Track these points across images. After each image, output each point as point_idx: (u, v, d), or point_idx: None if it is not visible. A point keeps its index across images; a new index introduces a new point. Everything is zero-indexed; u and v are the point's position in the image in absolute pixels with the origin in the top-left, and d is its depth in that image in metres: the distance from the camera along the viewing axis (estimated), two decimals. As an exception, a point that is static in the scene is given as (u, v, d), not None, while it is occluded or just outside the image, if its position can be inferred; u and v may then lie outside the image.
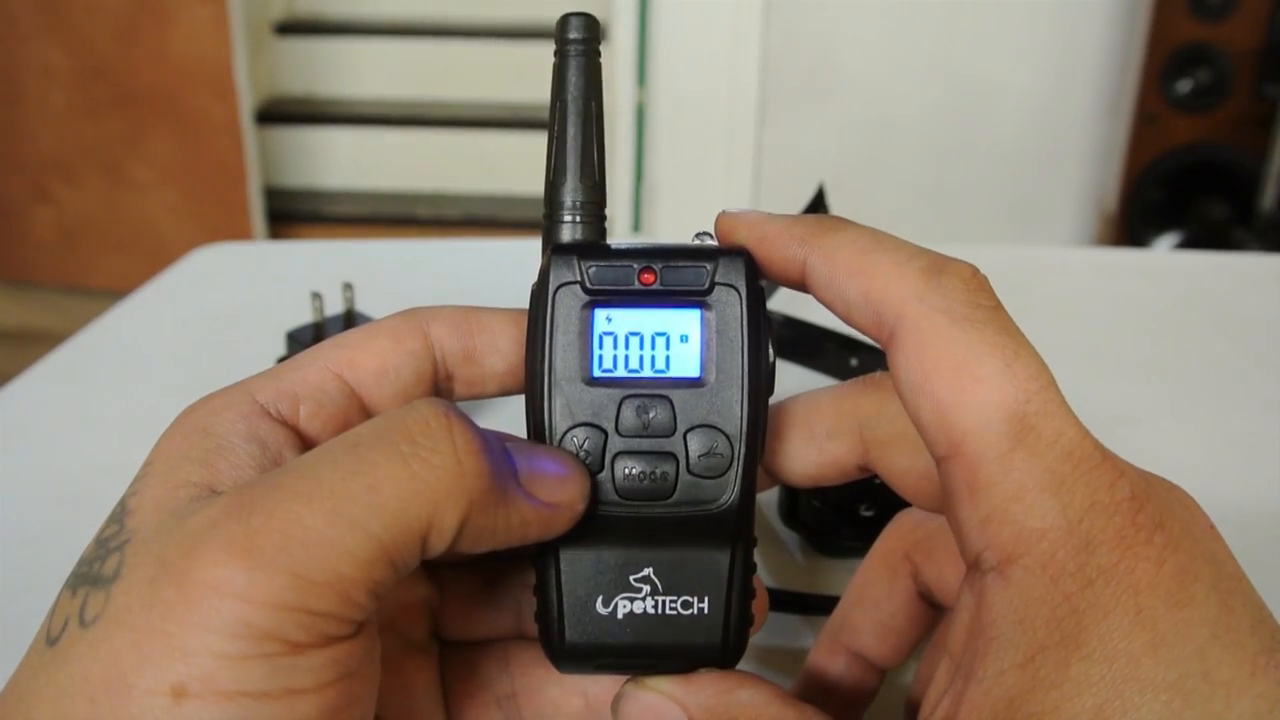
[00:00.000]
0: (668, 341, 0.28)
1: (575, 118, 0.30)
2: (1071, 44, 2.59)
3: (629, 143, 2.71)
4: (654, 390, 0.28)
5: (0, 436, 0.56)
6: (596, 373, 0.28)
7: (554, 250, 0.29)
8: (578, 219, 0.30)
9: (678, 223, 2.78)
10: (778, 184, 2.72)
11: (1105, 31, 2.57)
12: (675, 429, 0.28)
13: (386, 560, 0.24)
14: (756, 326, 0.28)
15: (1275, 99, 2.31)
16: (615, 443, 0.28)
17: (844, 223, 0.29)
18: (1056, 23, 2.57)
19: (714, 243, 0.29)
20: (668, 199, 2.76)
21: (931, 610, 0.34)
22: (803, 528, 0.45)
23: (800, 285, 0.29)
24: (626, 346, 0.28)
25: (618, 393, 0.28)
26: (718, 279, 0.28)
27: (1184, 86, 2.41)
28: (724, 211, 0.31)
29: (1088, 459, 0.25)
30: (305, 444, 0.28)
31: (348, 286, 0.57)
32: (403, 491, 0.24)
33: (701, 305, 0.28)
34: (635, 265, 0.28)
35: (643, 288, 0.28)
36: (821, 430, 0.31)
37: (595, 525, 0.28)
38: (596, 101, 0.31)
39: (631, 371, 0.28)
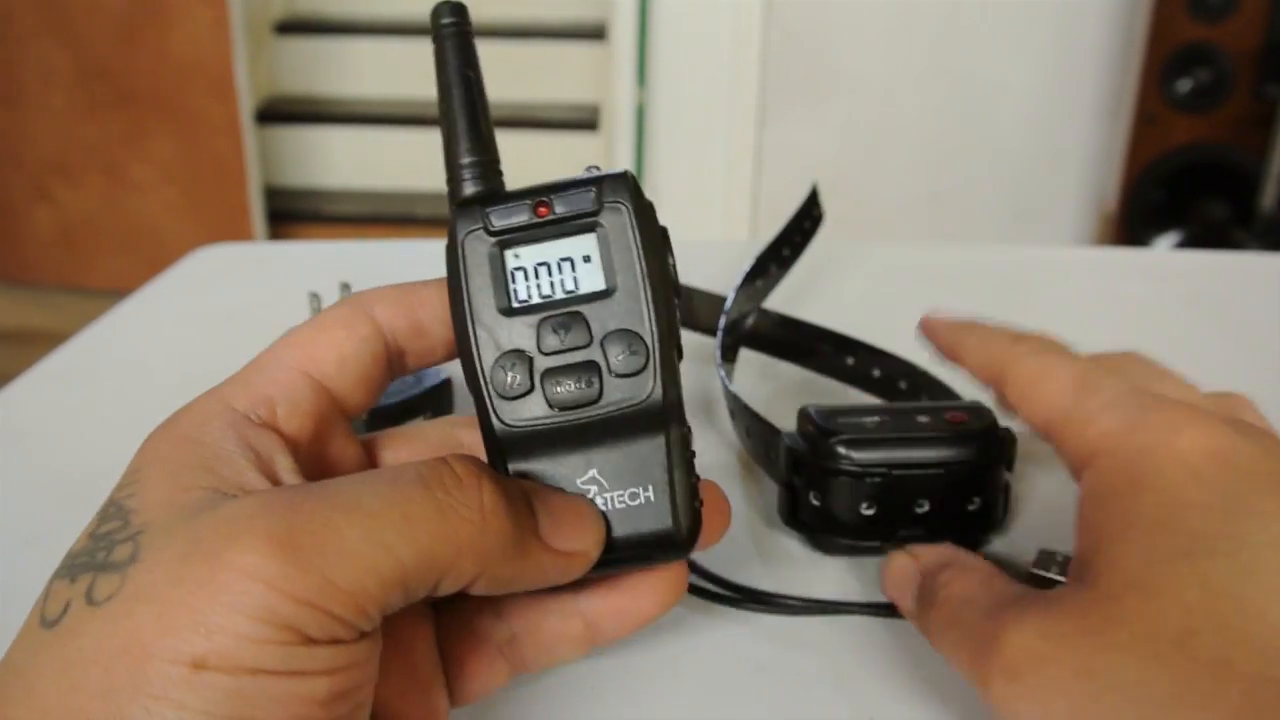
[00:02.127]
0: (573, 265, 0.30)
1: (457, 87, 0.32)
2: (1071, 44, 2.59)
3: (629, 143, 2.71)
4: (567, 310, 0.30)
5: (1, 435, 0.56)
6: (514, 304, 0.30)
7: (458, 205, 0.31)
8: (475, 176, 0.32)
9: (678, 222, 2.77)
10: (777, 184, 2.72)
11: (1105, 31, 2.57)
12: (591, 339, 0.30)
13: (403, 586, 0.25)
14: (647, 233, 0.30)
15: (1275, 99, 2.31)
16: (541, 362, 0.30)
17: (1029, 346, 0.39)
18: (1056, 23, 2.57)
19: (598, 169, 0.31)
20: (668, 199, 2.76)
21: None
22: (803, 526, 0.44)
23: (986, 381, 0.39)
24: (537, 277, 0.30)
25: (535, 318, 0.30)
26: (605, 200, 0.30)
27: (1184, 86, 2.41)
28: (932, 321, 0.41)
29: (1138, 389, 0.34)
30: (288, 443, 0.29)
31: (345, 287, 0.57)
32: (434, 531, 0.26)
33: (595, 226, 0.30)
34: (529, 201, 0.30)
35: (540, 220, 0.30)
36: None
37: (537, 439, 0.30)
38: (474, 71, 0.33)
39: (545, 297, 0.30)
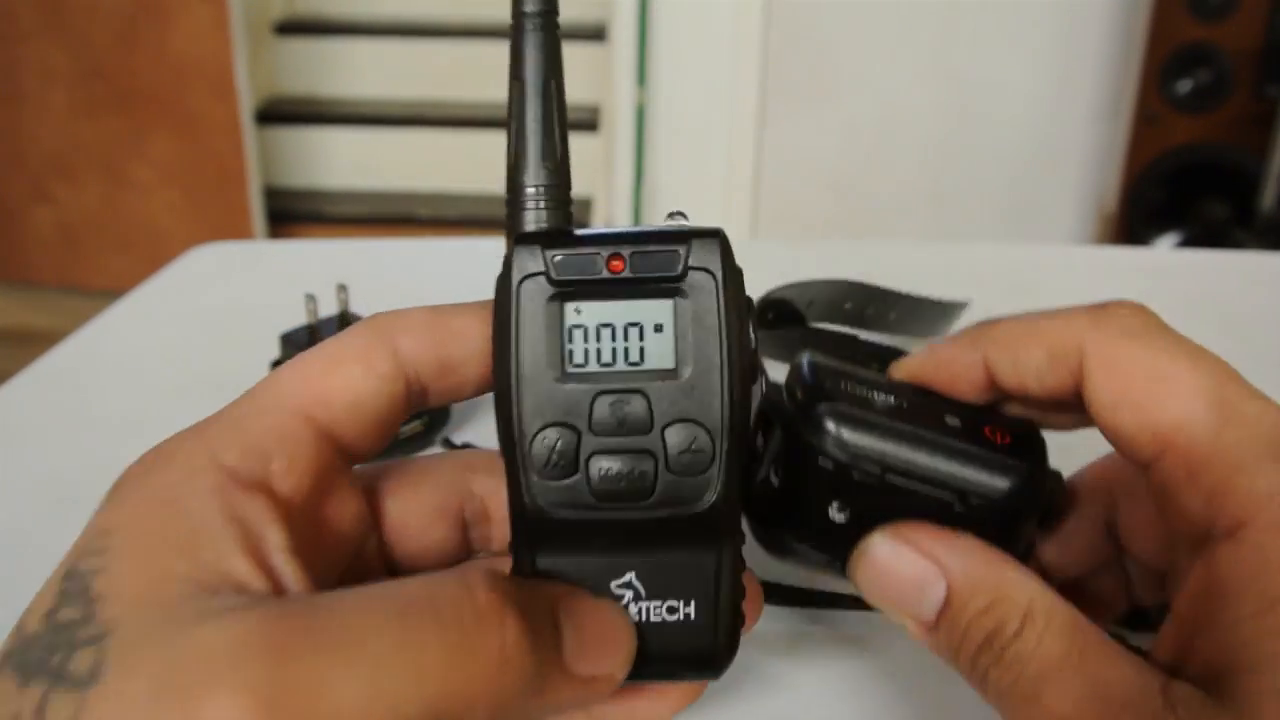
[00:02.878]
0: (641, 332, 0.26)
1: (535, 97, 0.28)
2: (1072, 44, 2.59)
3: (629, 143, 2.71)
4: (628, 384, 0.26)
5: (1, 433, 0.56)
6: (568, 368, 0.26)
7: (517, 240, 0.27)
8: (541, 204, 0.28)
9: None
10: (778, 184, 2.72)
11: (1105, 31, 2.57)
12: (652, 425, 0.26)
13: None
14: (735, 311, 0.26)
15: (1275, 99, 2.31)
16: (589, 442, 0.26)
17: (995, 319, 0.30)
18: (1057, 23, 2.57)
19: (687, 223, 0.27)
20: (668, 199, 2.76)
21: (1109, 545, 0.33)
22: (750, 508, 0.31)
23: (990, 387, 0.30)
24: (598, 340, 0.26)
25: (590, 388, 0.26)
26: (691, 263, 0.26)
27: (1184, 86, 2.41)
28: (894, 366, 0.32)
29: None
30: (280, 506, 0.25)
31: (342, 288, 0.57)
32: (446, 682, 0.22)
33: (675, 292, 0.26)
34: (603, 252, 0.26)
35: (612, 276, 0.26)
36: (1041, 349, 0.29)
37: (572, 530, 0.26)
38: (557, 80, 0.29)
39: (604, 365, 0.26)
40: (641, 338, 0.26)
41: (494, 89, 3.17)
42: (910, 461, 0.29)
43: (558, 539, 0.26)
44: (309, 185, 3.08)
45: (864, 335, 0.56)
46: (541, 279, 0.26)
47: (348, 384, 0.27)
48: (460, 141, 3.03)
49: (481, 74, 3.07)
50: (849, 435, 0.29)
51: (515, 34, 0.29)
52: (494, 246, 0.87)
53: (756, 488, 0.31)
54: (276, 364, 0.56)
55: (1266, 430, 0.25)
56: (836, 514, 0.30)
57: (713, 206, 2.76)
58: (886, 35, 2.61)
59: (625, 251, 0.26)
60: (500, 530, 0.30)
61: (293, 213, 2.96)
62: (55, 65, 2.67)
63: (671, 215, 0.28)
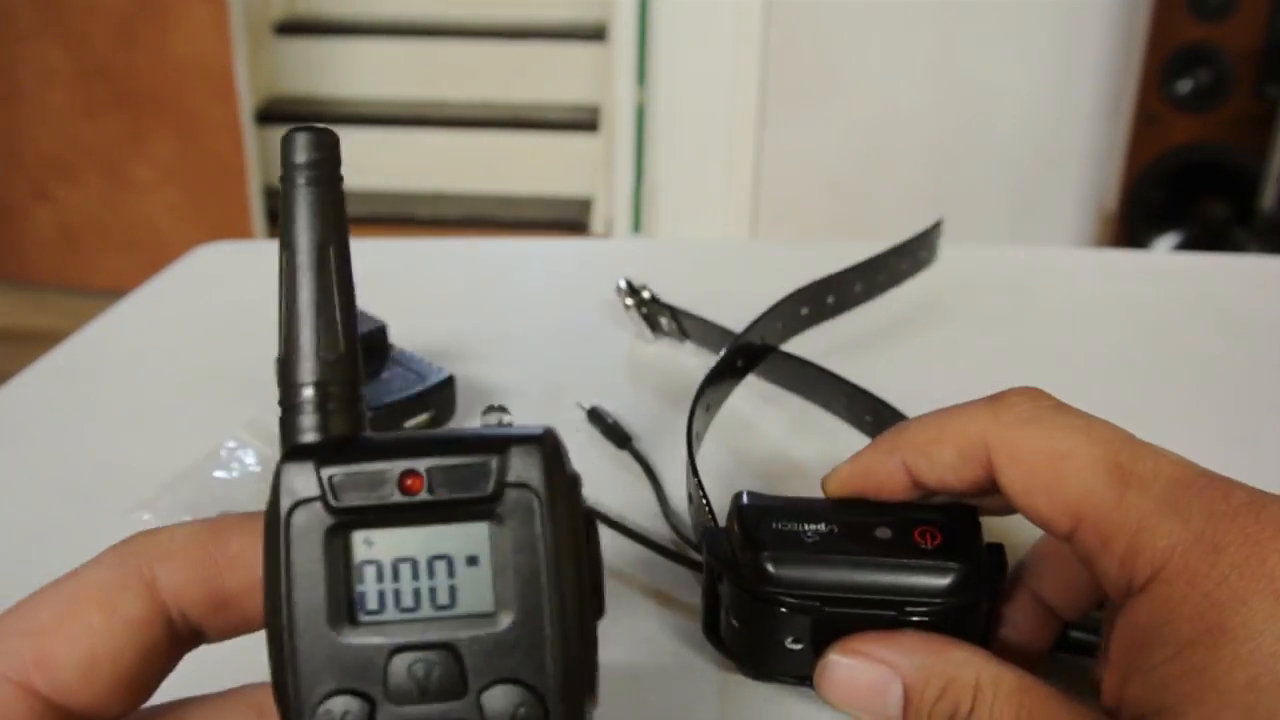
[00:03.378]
0: (450, 567, 0.21)
1: (307, 270, 0.23)
2: (1072, 44, 2.59)
3: (629, 143, 2.71)
4: (434, 635, 0.21)
5: (1, 435, 0.56)
6: (359, 617, 0.21)
7: (284, 455, 0.22)
8: (320, 407, 0.22)
9: (678, 223, 2.78)
10: (778, 184, 2.72)
11: (1105, 31, 2.57)
12: (466, 688, 0.21)
13: None
14: (567, 535, 0.21)
15: (1275, 99, 2.31)
16: (386, 714, 0.21)
17: (906, 423, 0.32)
18: (1057, 23, 2.57)
19: (509, 421, 0.24)
20: (668, 199, 2.76)
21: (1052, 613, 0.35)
22: (723, 646, 0.36)
23: (914, 487, 0.32)
24: (395, 578, 0.21)
25: (384, 643, 0.21)
26: (508, 478, 0.21)
27: (1184, 86, 2.41)
28: (825, 480, 0.33)
29: (1195, 480, 0.27)
30: None
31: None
32: None
33: (489, 516, 0.21)
34: (394, 468, 0.21)
35: (406, 499, 0.21)
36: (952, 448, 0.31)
37: None
38: (337, 245, 0.23)
39: (405, 611, 0.21)
40: (451, 574, 0.21)
41: (495, 89, 3.18)
42: (849, 587, 0.32)
43: None
44: (309, 185, 3.08)
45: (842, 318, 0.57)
46: (317, 505, 0.21)
47: (82, 636, 0.21)
48: (460, 142, 3.03)
49: (481, 74, 3.07)
50: (787, 578, 0.32)
51: (285, 191, 0.24)
52: (494, 247, 0.87)
53: (724, 631, 0.35)
54: (280, 360, 0.56)
55: (1162, 486, 0.27)
56: (793, 644, 0.33)
57: (713, 206, 2.77)
58: (887, 35, 2.61)
59: (422, 466, 0.21)
60: None
61: (292, 213, 2.96)
62: (55, 65, 2.67)
63: (489, 410, 0.24)
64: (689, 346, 0.62)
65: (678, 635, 0.39)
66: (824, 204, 2.72)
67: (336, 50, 3.11)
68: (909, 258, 0.61)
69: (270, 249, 0.89)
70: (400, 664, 0.21)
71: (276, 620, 0.21)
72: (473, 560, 0.21)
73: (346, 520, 0.21)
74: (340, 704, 0.21)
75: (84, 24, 2.64)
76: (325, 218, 0.24)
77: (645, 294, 0.61)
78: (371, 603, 0.21)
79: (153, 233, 2.80)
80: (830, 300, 0.56)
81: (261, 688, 0.22)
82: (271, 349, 0.60)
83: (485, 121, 3.00)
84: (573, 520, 0.22)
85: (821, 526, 0.33)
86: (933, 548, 0.32)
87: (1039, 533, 0.44)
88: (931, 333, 0.67)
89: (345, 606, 0.21)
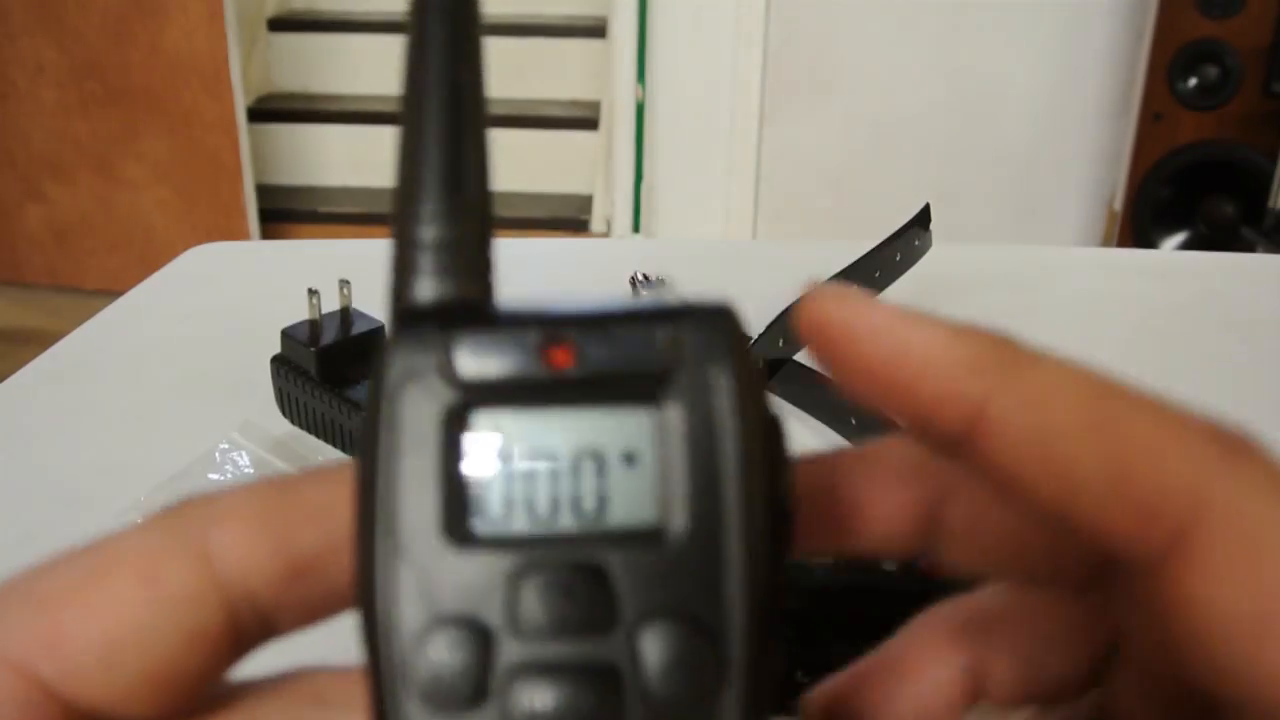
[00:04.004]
0: (601, 466, 0.16)
1: (437, 103, 0.18)
2: (1078, 40, 2.59)
3: (629, 140, 2.71)
4: (578, 555, 0.16)
5: (-9, 438, 0.56)
6: (476, 528, 0.16)
7: (398, 318, 0.17)
8: (442, 259, 0.18)
9: (679, 221, 2.78)
10: (779, 181, 2.72)
11: (1112, 28, 2.57)
12: (616, 622, 0.16)
13: None
14: (757, 430, 0.17)
15: (1284, 96, 2.31)
16: (509, 651, 0.16)
17: (1033, 351, 0.18)
18: (1062, 19, 2.57)
19: (667, 292, 0.18)
20: (668, 197, 2.76)
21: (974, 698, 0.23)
22: None
23: (959, 439, 0.17)
24: (529, 479, 0.16)
25: (511, 562, 0.16)
26: (685, 353, 0.16)
27: (1191, 84, 2.41)
28: (807, 295, 0.18)
29: None
30: None
31: (344, 283, 0.57)
32: None
33: (656, 401, 0.16)
34: (537, 336, 0.16)
35: (552, 375, 0.16)
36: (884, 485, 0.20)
37: None
38: (473, 82, 0.19)
39: (538, 523, 0.16)
40: (602, 475, 0.16)
41: (493, 86, 3.17)
42: (859, 619, 0.30)
43: None
44: (303, 182, 3.08)
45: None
46: (435, 381, 0.16)
47: (107, 615, 0.16)
48: (457, 139, 3.03)
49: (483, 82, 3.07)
50: (797, 611, 0.31)
51: (415, 19, 0.19)
52: (493, 245, 0.87)
53: None
54: (277, 360, 0.56)
55: (1191, 422, 0.17)
56: (803, 677, 0.31)
57: (714, 205, 2.77)
58: (889, 30, 2.61)
59: (574, 335, 0.16)
60: None
61: (286, 210, 2.96)
62: (47, 61, 2.67)
63: (643, 281, 0.17)
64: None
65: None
66: (826, 202, 2.72)
67: (332, 46, 3.10)
68: (902, 249, 0.61)
69: (264, 251, 0.89)
70: (530, 589, 0.16)
71: (369, 528, 0.16)
72: (631, 458, 0.16)
73: (470, 399, 0.16)
74: (448, 639, 0.16)
75: (76, 20, 2.64)
76: (462, 45, 0.18)
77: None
78: (494, 509, 0.16)
79: (145, 231, 2.80)
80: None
81: (321, 673, 0.18)
82: (265, 351, 0.60)
83: (483, 118, 3.00)
84: (761, 416, 0.17)
85: (829, 559, 0.32)
86: (940, 578, 0.32)
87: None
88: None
89: (461, 512, 0.16)
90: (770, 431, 0.17)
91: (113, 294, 0.72)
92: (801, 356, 0.55)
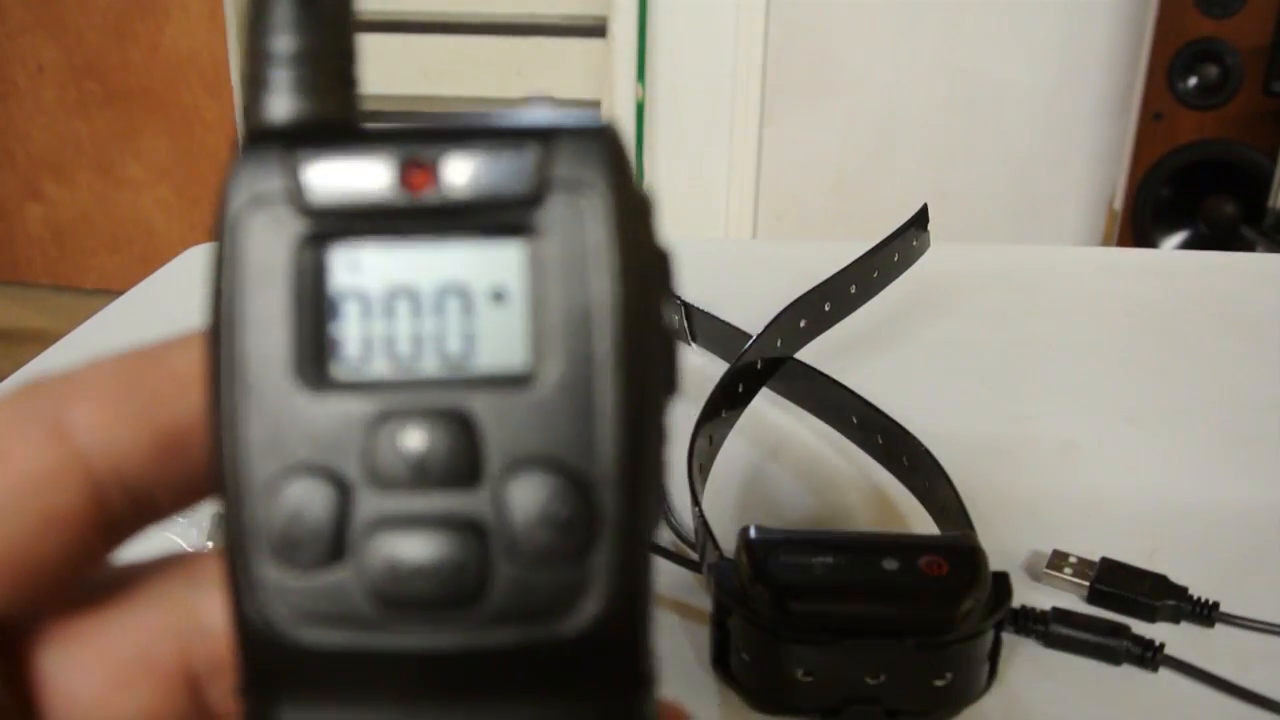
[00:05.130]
0: (468, 302, 0.15)
1: None
2: (1078, 40, 2.59)
3: (629, 140, 2.71)
4: (440, 400, 0.15)
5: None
6: (331, 370, 0.15)
7: (247, 139, 0.16)
8: (299, 79, 0.16)
9: (679, 219, 2.78)
10: (779, 181, 2.72)
11: (1112, 27, 2.57)
12: (481, 473, 0.15)
13: None
14: (632, 256, 0.15)
15: (1284, 96, 2.31)
16: (367, 503, 0.14)
17: None
18: (1063, 18, 2.57)
19: (549, 107, 0.16)
20: (668, 196, 2.76)
21: None
22: (733, 680, 0.36)
23: None
24: (389, 316, 0.15)
25: (370, 408, 0.15)
26: (556, 172, 0.15)
27: (1191, 83, 2.41)
28: None
29: None
30: None
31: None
32: None
33: (527, 230, 0.15)
34: (396, 157, 0.15)
35: (412, 200, 0.15)
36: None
37: (336, 665, 0.15)
38: None
39: (399, 365, 0.15)
40: (469, 313, 0.15)
41: (495, 84, 3.18)
42: (863, 618, 0.32)
43: (312, 680, 0.15)
44: (304, 183, 3.09)
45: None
46: (283, 207, 0.15)
47: None
48: (457, 138, 3.03)
49: (474, 69, 3.07)
50: (800, 611, 0.32)
51: None
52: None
53: (734, 665, 0.34)
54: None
55: None
56: (805, 677, 0.33)
57: (714, 205, 2.77)
58: (890, 30, 2.61)
59: (437, 156, 0.15)
60: None
61: (287, 210, 2.96)
62: (46, 60, 2.67)
63: (532, 99, 0.16)
64: (694, 349, 0.62)
65: (685, 669, 0.39)
66: (827, 201, 2.72)
67: (332, 46, 3.11)
68: (899, 249, 0.61)
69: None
70: (388, 436, 0.14)
71: (215, 373, 0.15)
72: (499, 295, 0.15)
73: (324, 230, 0.15)
74: (301, 488, 0.14)
75: (76, 19, 2.64)
76: None
77: None
78: (353, 350, 0.15)
79: (145, 230, 2.80)
80: (828, 307, 0.56)
81: (194, 554, 0.17)
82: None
83: (483, 118, 3.00)
84: (644, 240, 0.15)
85: (830, 559, 0.33)
86: (940, 577, 0.33)
87: (1046, 554, 0.44)
88: (938, 331, 0.67)
89: (315, 355, 0.15)
90: (656, 265, 0.16)
91: (112, 293, 0.72)
92: (802, 355, 0.55)
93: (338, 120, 0.16)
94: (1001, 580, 0.35)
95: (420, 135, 0.15)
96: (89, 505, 0.16)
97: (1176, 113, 2.43)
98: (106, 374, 0.16)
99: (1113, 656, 0.39)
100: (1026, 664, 0.39)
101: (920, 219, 0.62)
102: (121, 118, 2.72)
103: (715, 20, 2.61)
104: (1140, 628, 0.40)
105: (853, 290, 0.58)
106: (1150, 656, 0.39)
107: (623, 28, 2.66)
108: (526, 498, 0.14)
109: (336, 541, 0.14)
